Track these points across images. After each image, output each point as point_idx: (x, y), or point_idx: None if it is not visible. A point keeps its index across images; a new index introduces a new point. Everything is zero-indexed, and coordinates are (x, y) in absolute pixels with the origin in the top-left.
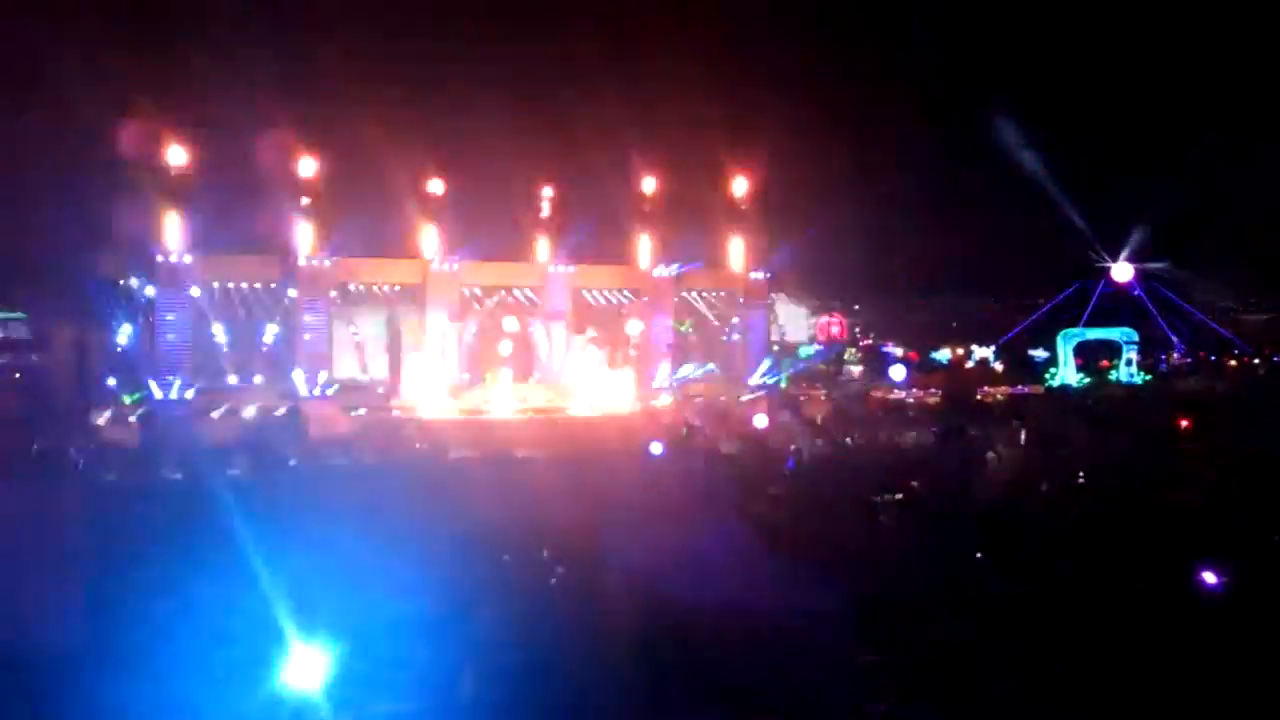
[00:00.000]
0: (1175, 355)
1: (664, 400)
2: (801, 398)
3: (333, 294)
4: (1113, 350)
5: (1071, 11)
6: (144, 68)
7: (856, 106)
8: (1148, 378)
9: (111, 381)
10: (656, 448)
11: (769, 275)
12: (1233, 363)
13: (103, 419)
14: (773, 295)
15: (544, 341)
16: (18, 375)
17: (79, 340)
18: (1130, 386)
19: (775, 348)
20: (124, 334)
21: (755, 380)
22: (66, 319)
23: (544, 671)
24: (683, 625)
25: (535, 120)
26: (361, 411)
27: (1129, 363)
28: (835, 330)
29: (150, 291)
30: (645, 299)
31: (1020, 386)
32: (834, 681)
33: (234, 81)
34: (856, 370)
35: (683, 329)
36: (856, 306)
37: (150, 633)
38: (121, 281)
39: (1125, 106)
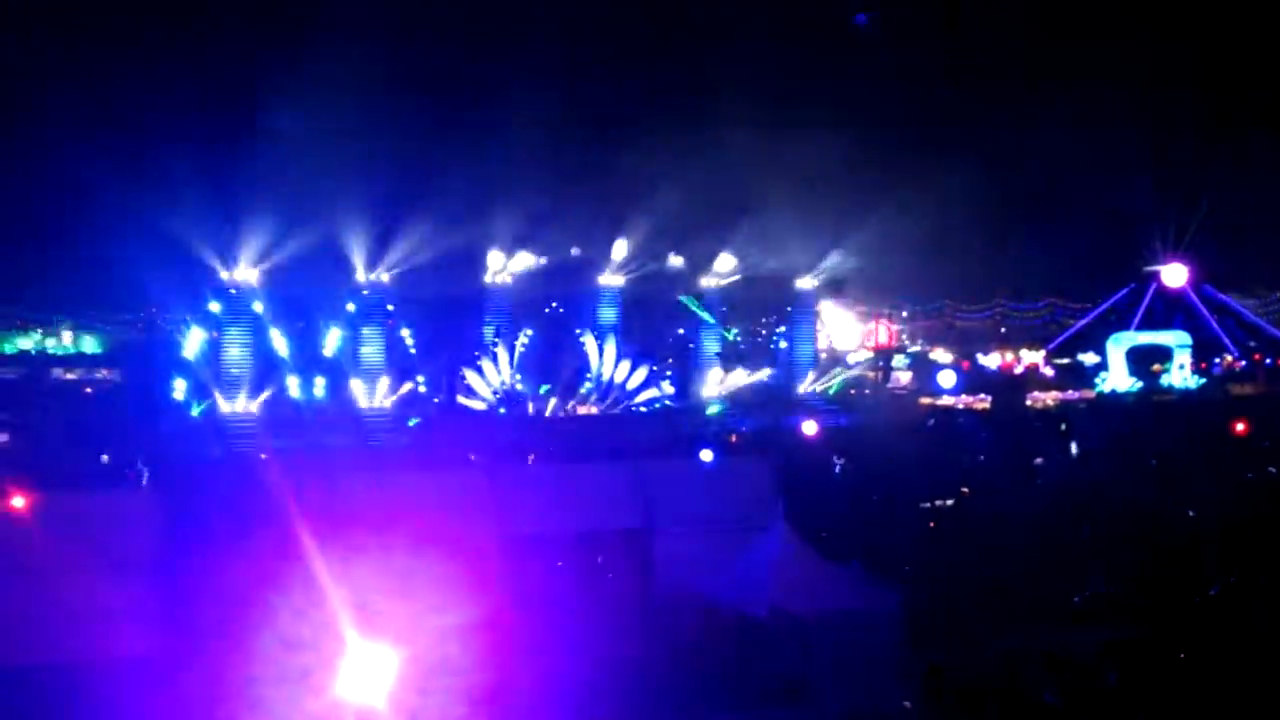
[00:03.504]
0: (1230, 359)
1: (715, 408)
2: (851, 404)
3: (390, 308)
4: (1165, 355)
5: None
6: (212, 97)
7: (904, 113)
8: (1202, 382)
9: (179, 395)
10: (707, 455)
11: (818, 283)
12: None
13: (170, 431)
14: (822, 302)
15: (594, 351)
16: (88, 390)
17: (147, 355)
18: (1183, 391)
19: (824, 355)
20: (190, 349)
21: (804, 387)
22: (135, 335)
23: (601, 669)
24: (736, 628)
25: (589, 132)
26: (418, 420)
27: (1181, 367)
28: (884, 337)
29: (215, 308)
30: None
31: (1071, 392)
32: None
33: (299, 113)
34: (906, 377)
35: (731, 337)
36: (905, 313)
37: (215, 639)
38: (188, 299)
39: (1181, 110)
